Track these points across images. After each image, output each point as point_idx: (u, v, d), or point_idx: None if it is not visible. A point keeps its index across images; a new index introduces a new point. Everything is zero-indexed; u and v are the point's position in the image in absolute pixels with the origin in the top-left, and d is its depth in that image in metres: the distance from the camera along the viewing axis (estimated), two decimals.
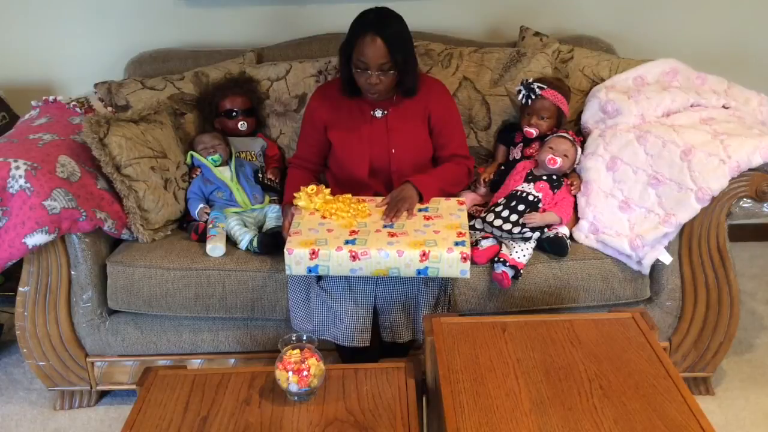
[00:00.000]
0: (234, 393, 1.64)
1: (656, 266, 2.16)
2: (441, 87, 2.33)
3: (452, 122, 2.33)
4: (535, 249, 2.16)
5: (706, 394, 2.32)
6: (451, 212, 2.08)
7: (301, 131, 2.38)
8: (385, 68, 2.08)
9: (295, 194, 2.11)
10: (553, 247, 2.16)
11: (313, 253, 1.90)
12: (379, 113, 2.24)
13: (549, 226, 2.19)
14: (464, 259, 1.90)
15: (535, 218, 2.16)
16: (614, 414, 1.42)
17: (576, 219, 2.26)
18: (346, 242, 1.92)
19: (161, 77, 2.62)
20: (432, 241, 1.92)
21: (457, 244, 1.92)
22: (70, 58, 2.93)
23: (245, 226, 2.26)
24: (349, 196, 2.13)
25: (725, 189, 2.04)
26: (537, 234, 2.16)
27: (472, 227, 2.19)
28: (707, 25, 2.90)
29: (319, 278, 2.07)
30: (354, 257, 1.90)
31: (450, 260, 1.90)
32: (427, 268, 1.91)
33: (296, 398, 1.60)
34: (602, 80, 2.52)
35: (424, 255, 1.89)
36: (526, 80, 2.37)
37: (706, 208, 2.06)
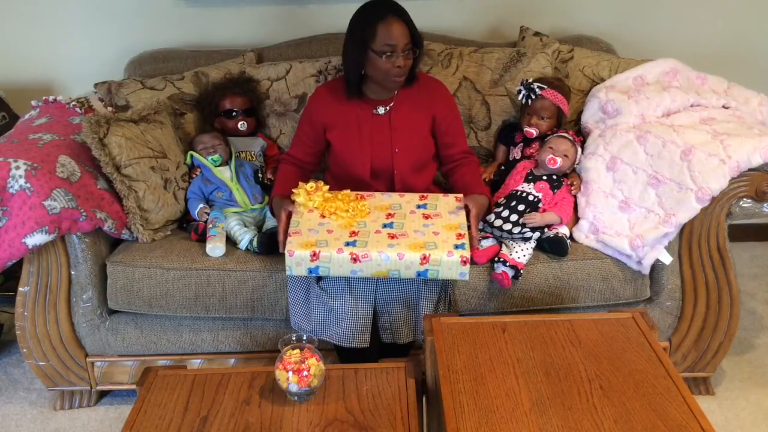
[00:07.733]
0: (234, 393, 1.64)
1: (656, 266, 2.16)
2: (442, 87, 2.33)
3: (457, 121, 2.34)
4: (535, 249, 2.16)
5: (706, 394, 2.32)
6: (449, 210, 2.07)
7: (298, 129, 2.36)
8: (409, 48, 2.08)
9: (294, 190, 2.09)
10: (553, 247, 2.16)
11: (314, 255, 1.90)
12: (381, 110, 2.23)
13: (549, 226, 2.19)
14: (464, 262, 1.89)
15: (535, 218, 2.15)
16: (614, 414, 1.42)
17: (576, 219, 2.26)
18: (347, 244, 1.92)
19: (161, 77, 2.62)
20: (432, 244, 1.92)
21: (456, 247, 1.91)
22: (70, 58, 2.93)
23: (245, 226, 2.26)
24: (348, 192, 2.11)
25: (725, 189, 2.04)
26: (537, 234, 2.16)
27: None
28: (707, 25, 2.90)
29: (319, 279, 2.07)
30: (355, 259, 1.90)
31: (450, 263, 1.90)
32: (427, 270, 1.91)
33: (296, 398, 1.60)
34: (602, 80, 2.52)
35: (425, 258, 1.89)
36: (526, 80, 2.37)
37: (706, 208, 2.06)
